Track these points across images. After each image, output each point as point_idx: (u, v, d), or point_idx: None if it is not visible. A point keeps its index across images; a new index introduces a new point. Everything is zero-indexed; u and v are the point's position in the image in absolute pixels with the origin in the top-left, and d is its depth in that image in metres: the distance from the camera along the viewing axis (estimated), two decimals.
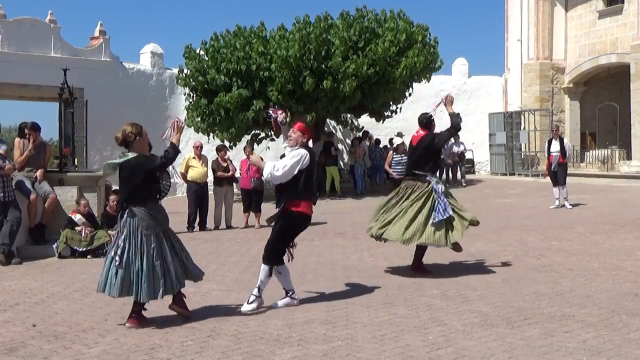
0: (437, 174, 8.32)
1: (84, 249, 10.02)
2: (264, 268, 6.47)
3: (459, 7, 77.79)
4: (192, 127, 19.92)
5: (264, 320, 5.88)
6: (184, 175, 13.72)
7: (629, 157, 24.13)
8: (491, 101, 27.58)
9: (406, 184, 8.05)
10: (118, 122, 17.00)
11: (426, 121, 8.28)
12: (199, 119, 19.54)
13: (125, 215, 5.83)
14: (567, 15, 26.70)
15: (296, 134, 6.50)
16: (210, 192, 13.91)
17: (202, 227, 13.47)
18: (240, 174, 14.10)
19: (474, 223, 7.94)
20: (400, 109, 21.20)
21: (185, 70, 19.72)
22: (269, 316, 6.02)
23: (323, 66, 18.78)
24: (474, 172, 26.42)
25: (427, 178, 7.87)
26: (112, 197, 10.77)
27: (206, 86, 19.20)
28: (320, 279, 7.84)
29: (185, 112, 20.45)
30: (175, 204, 15.70)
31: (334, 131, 23.55)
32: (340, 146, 23.86)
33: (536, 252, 9.29)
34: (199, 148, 13.89)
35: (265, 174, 6.44)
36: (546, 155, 15.75)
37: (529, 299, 6.42)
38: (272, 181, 6.53)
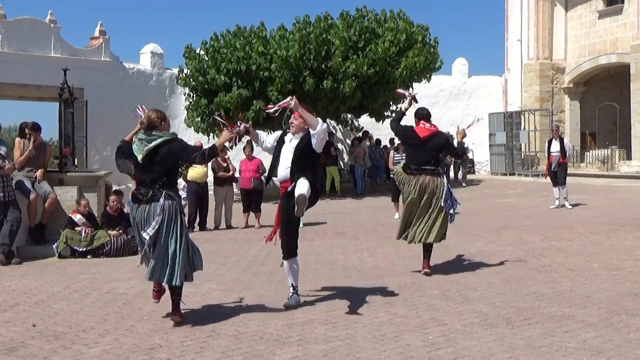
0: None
1: (84, 249, 10.01)
2: (293, 261, 6.42)
3: (459, 7, 77.90)
4: (192, 127, 19.94)
5: (264, 320, 5.88)
6: (183, 176, 13.71)
7: (629, 157, 24.14)
8: (491, 101, 27.59)
9: (421, 179, 7.82)
10: (118, 122, 17.02)
11: (428, 114, 8.17)
12: (199, 119, 19.54)
13: (163, 198, 5.76)
14: (567, 15, 26.71)
15: (298, 120, 6.44)
16: (210, 192, 13.91)
17: (202, 227, 13.47)
18: (239, 173, 14.10)
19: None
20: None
21: (185, 70, 19.72)
22: (269, 316, 6.02)
23: (323, 66, 18.78)
24: (474, 172, 26.43)
25: (440, 173, 7.93)
26: (112, 197, 10.77)
27: (206, 86, 19.20)
28: (320, 279, 7.84)
29: (185, 112, 20.47)
30: None
31: (334, 131, 23.56)
32: (340, 146, 23.87)
33: (536, 252, 9.29)
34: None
35: (320, 126, 6.30)
36: (546, 155, 15.75)
37: (529, 299, 6.42)
38: (322, 136, 6.34)
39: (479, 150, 26.75)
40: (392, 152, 15.73)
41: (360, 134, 22.54)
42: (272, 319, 5.88)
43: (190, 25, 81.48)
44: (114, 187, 12.55)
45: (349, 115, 21.83)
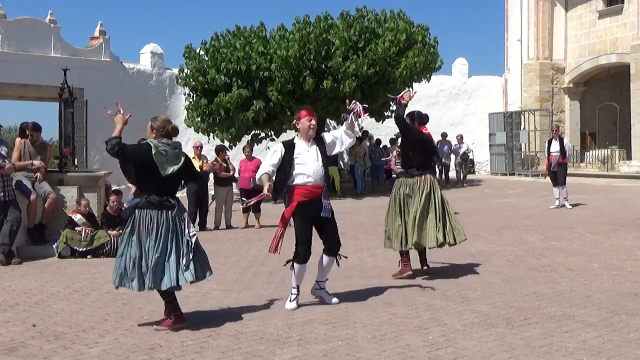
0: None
1: (84, 249, 10.01)
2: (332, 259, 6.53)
3: (459, 7, 77.91)
4: (192, 127, 19.94)
5: (264, 320, 5.88)
6: None
7: (629, 157, 24.14)
8: (491, 101, 27.61)
9: (417, 180, 7.73)
10: None
11: (427, 119, 8.24)
12: (199, 119, 19.55)
13: (178, 207, 5.84)
14: (567, 15, 26.72)
15: (315, 128, 6.65)
16: (211, 192, 13.91)
17: (202, 227, 13.46)
18: (239, 173, 14.10)
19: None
20: None
21: (185, 70, 19.72)
22: (269, 316, 6.02)
23: (323, 66, 18.79)
24: (474, 172, 26.45)
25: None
26: (112, 197, 10.77)
27: (206, 86, 19.21)
28: None
29: (185, 112, 20.46)
30: None
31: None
32: None
33: (536, 252, 9.29)
34: (198, 148, 13.88)
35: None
36: (546, 155, 15.76)
37: (529, 299, 6.42)
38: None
39: (479, 150, 26.76)
40: (395, 152, 15.66)
41: (360, 134, 22.52)
42: (272, 319, 5.89)
43: (190, 25, 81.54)
44: (114, 187, 12.54)
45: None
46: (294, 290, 6.41)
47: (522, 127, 26.33)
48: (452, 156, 23.37)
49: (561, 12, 26.81)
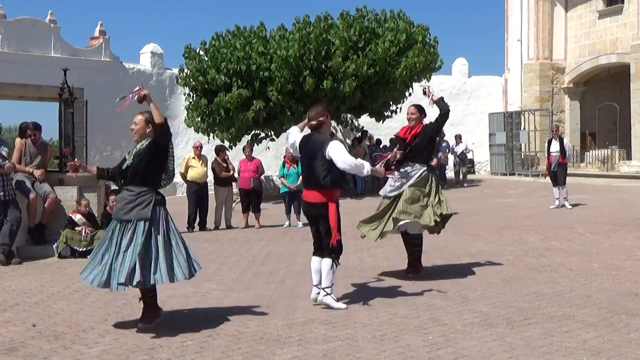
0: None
1: (84, 249, 9.99)
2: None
3: (459, 7, 77.92)
4: (192, 127, 19.93)
5: (264, 320, 5.88)
6: (183, 175, 13.71)
7: (629, 157, 24.14)
8: (491, 101, 27.60)
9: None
10: (118, 122, 16.94)
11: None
12: (199, 119, 19.54)
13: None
14: (567, 15, 26.71)
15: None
16: (211, 192, 13.91)
17: (202, 227, 13.47)
18: (239, 174, 14.09)
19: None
20: (400, 109, 21.13)
21: (185, 70, 19.72)
22: (269, 316, 6.02)
23: (323, 66, 18.78)
24: (474, 172, 26.43)
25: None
26: (112, 197, 10.76)
27: (206, 86, 19.20)
28: None
29: (185, 112, 20.46)
30: (175, 204, 15.69)
31: (334, 131, 23.54)
32: None
33: (536, 252, 9.29)
34: (198, 148, 13.88)
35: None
36: (546, 155, 15.76)
37: (529, 299, 6.42)
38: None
39: (479, 150, 26.75)
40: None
41: (360, 134, 22.53)
42: (272, 319, 5.89)
43: (190, 25, 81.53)
44: (114, 187, 12.53)
45: (349, 115, 21.83)
46: (329, 290, 6.36)
47: (522, 127, 26.33)
48: (450, 156, 23.36)
49: (561, 12, 26.81)
